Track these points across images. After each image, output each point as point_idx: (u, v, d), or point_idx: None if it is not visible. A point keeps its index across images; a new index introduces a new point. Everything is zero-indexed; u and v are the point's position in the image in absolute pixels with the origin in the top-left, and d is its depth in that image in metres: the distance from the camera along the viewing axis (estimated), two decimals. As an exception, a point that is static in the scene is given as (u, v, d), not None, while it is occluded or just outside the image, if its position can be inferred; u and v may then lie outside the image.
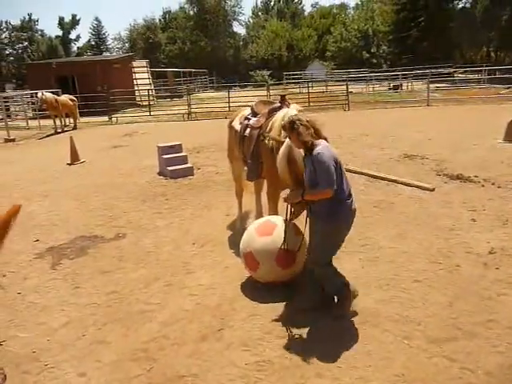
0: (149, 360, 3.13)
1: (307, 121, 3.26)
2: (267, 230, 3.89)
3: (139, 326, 3.55)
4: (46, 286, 4.32)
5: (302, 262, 3.85)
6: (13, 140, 14.77)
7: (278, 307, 3.66)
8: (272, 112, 4.38)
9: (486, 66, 26.91)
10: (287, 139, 3.57)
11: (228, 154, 5.52)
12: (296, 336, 3.28)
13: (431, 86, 20.04)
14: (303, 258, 3.81)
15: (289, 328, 3.35)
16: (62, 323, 3.65)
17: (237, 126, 5.01)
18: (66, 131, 16.14)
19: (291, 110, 4.17)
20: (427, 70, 22.08)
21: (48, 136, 15.68)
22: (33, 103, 20.84)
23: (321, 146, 3.18)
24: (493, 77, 24.99)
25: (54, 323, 3.65)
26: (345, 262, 4.44)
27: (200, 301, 3.87)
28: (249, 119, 4.76)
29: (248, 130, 4.67)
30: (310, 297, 3.75)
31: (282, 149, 3.61)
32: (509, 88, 20.58)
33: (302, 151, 3.42)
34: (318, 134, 3.26)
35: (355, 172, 7.68)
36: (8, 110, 20.49)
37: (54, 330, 3.55)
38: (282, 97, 4.60)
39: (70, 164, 9.98)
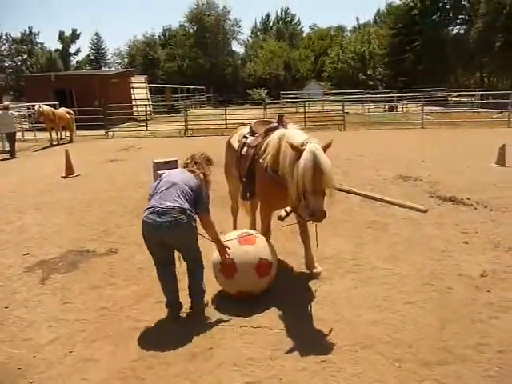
0: (137, 379, 3.07)
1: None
2: (250, 240, 4.05)
3: (128, 343, 3.50)
4: (35, 300, 4.26)
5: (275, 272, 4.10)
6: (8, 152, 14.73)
7: (269, 326, 3.63)
8: (268, 132, 4.41)
9: (479, 91, 27.42)
10: (309, 145, 3.60)
11: (225, 171, 5.53)
12: (285, 355, 3.24)
13: (425, 108, 20.42)
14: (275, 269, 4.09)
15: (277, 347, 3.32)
16: (50, 339, 3.59)
17: (235, 143, 5.05)
18: (62, 144, 16.15)
19: (287, 131, 4.22)
20: (422, 93, 22.45)
21: (43, 148, 15.68)
22: (29, 115, 20.87)
23: None
24: (486, 101, 25.42)
25: (41, 339, 3.59)
26: (337, 282, 4.45)
27: (191, 319, 3.82)
28: (247, 138, 4.80)
29: (245, 149, 4.70)
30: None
31: (308, 156, 3.54)
32: (501, 113, 20.91)
33: (327, 159, 3.58)
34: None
35: (349, 192, 7.72)
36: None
37: (40, 347, 3.49)
38: (280, 117, 4.64)
39: (64, 177, 9.96)
